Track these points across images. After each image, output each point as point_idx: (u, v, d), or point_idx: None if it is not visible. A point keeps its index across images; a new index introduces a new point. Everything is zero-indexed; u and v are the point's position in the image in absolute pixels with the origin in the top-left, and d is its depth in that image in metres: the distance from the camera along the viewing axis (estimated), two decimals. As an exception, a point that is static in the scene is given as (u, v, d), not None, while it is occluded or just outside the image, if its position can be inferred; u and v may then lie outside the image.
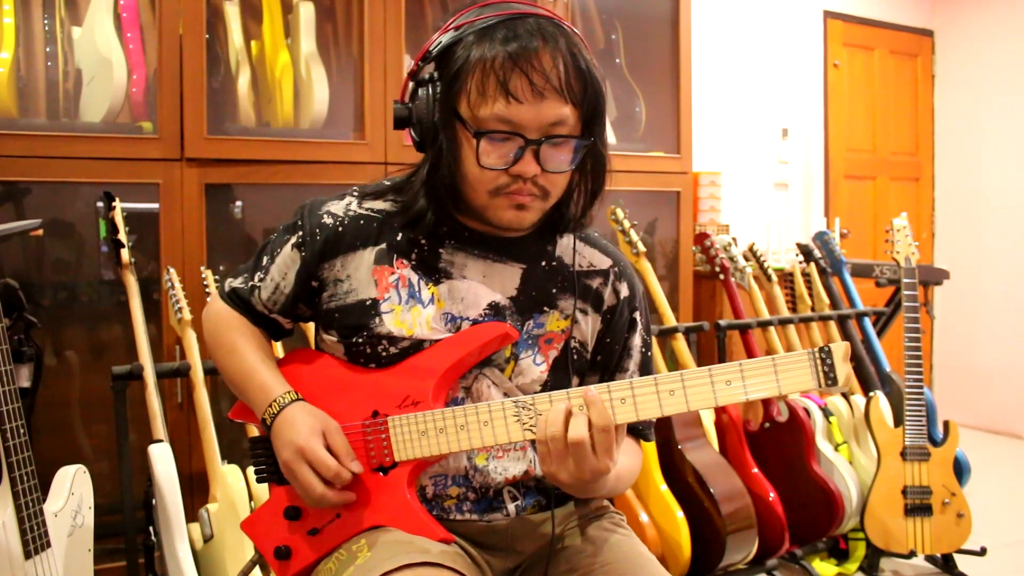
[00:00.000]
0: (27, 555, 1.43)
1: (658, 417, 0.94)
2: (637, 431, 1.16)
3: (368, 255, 1.09)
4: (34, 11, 2.22)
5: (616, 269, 1.16)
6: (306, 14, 2.35)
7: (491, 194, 1.02)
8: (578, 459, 0.92)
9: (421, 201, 1.06)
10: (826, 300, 3.02)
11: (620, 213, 2.62)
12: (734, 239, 3.00)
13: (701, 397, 0.92)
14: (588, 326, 1.13)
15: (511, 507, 1.11)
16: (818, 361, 0.88)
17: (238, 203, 2.50)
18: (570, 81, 0.98)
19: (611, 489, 1.06)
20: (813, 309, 3.03)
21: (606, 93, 1.06)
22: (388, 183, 1.14)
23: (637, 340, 1.17)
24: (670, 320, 2.60)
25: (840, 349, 0.88)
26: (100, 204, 2.03)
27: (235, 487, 1.82)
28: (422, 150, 1.06)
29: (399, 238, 1.09)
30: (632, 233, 2.58)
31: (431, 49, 1.03)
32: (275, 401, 1.06)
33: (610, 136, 2.86)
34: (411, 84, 1.05)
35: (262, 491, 1.81)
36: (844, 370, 0.88)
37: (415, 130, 1.04)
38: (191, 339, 1.97)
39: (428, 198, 1.06)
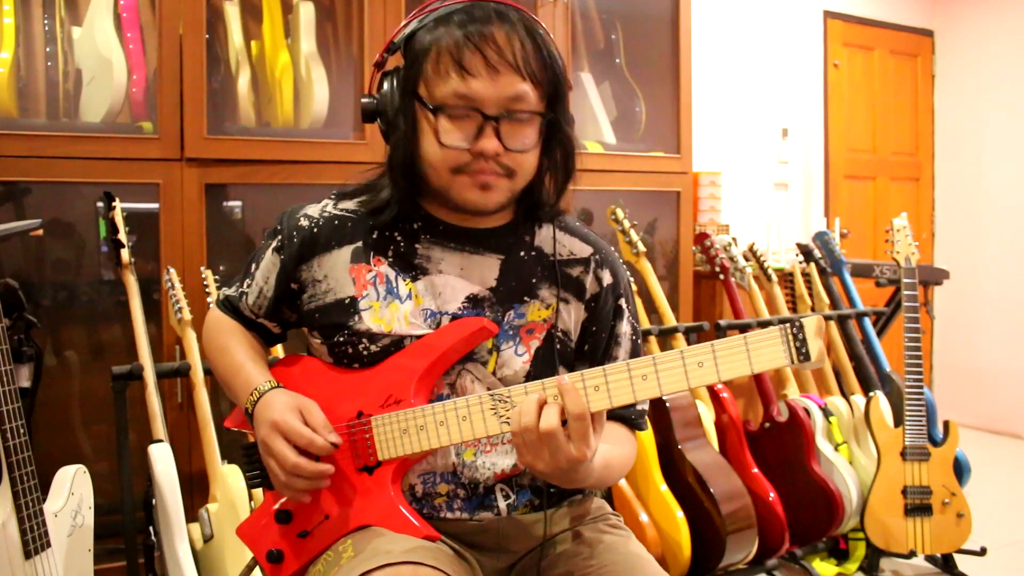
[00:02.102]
0: (27, 555, 1.43)
1: (632, 403, 0.92)
2: (629, 420, 1.15)
3: (344, 254, 1.10)
4: (34, 11, 2.22)
5: (597, 257, 1.16)
6: (306, 14, 2.35)
7: (453, 172, 1.02)
8: (552, 449, 0.91)
9: (385, 190, 1.09)
10: (826, 300, 3.02)
11: (620, 213, 2.62)
12: (734, 239, 3.00)
13: (674, 380, 0.90)
14: (571, 315, 1.13)
15: (503, 505, 1.10)
16: (790, 337, 0.86)
17: (238, 203, 2.50)
18: (527, 58, 1.00)
19: (600, 479, 1.04)
20: (813, 309, 3.03)
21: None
22: (364, 183, 1.15)
23: (625, 327, 1.16)
24: (670, 320, 2.60)
25: (812, 323, 0.85)
26: (100, 204, 2.03)
27: (235, 487, 1.82)
28: (387, 138, 1.08)
29: (375, 236, 1.10)
30: (632, 233, 2.58)
31: (395, 40, 1.06)
32: (255, 390, 1.07)
33: (610, 136, 2.86)
34: (378, 76, 1.08)
35: (262, 491, 1.81)
36: (817, 345, 0.85)
37: (382, 120, 1.07)
38: (191, 339, 1.97)
39: (392, 185, 1.07)
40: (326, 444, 1.01)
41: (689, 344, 2.61)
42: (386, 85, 1.06)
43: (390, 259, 1.09)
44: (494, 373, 1.09)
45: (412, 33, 1.04)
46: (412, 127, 1.03)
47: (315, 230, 1.11)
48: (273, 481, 1.05)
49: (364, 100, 1.08)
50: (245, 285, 1.17)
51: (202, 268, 2.11)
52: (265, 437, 1.02)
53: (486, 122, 0.99)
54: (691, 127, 2.91)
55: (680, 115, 2.89)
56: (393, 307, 1.07)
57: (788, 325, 0.86)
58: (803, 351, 0.86)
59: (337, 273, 1.09)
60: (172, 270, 2.04)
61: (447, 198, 1.05)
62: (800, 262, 3.13)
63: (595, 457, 0.95)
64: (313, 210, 1.13)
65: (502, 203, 1.06)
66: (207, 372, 1.94)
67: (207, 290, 2.07)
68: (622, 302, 1.16)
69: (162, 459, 1.72)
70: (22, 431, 1.44)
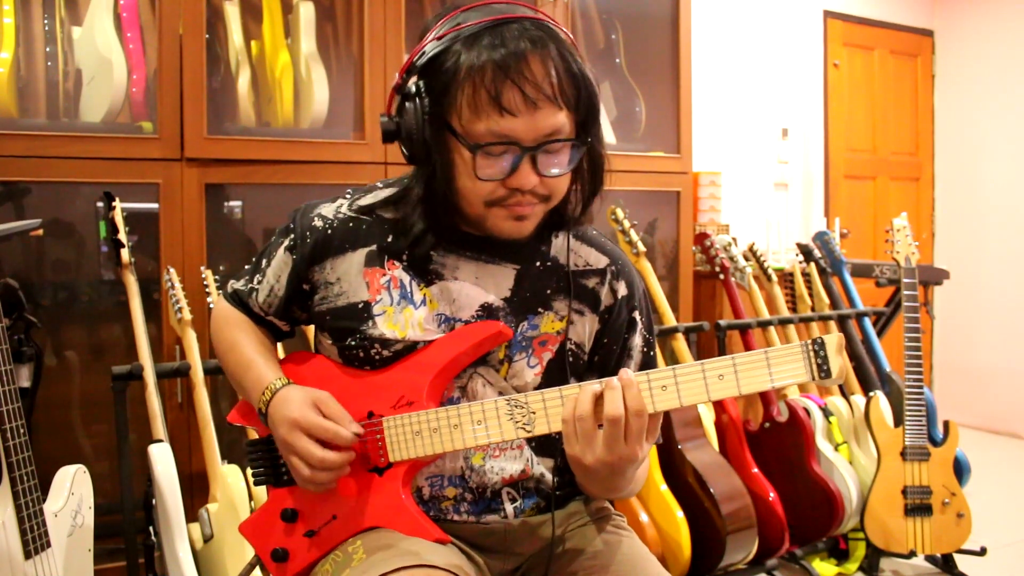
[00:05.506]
0: (27, 555, 1.43)
1: (651, 413, 0.92)
2: None
3: (358, 257, 1.08)
4: (34, 11, 2.22)
5: (614, 268, 1.14)
6: (306, 14, 2.35)
7: (487, 205, 1.00)
8: (610, 441, 0.90)
9: (419, 224, 1.05)
10: (826, 300, 3.02)
11: (620, 213, 2.62)
12: (734, 239, 3.00)
13: (694, 392, 0.90)
14: (585, 327, 1.11)
15: (509, 508, 1.10)
16: (811, 353, 0.87)
17: (238, 203, 2.50)
18: (563, 87, 0.96)
19: (630, 489, 1.05)
20: (813, 309, 3.03)
21: (603, 92, 1.06)
22: (380, 185, 1.14)
23: (637, 340, 1.15)
24: (670, 320, 2.60)
25: (833, 341, 0.86)
26: (100, 204, 2.03)
27: (235, 487, 1.82)
28: (413, 163, 1.04)
29: (389, 240, 1.09)
30: (632, 233, 2.58)
31: (415, 61, 1.00)
32: (268, 388, 1.06)
33: (610, 136, 2.87)
34: (397, 97, 1.03)
35: (262, 491, 1.81)
36: (838, 362, 0.86)
37: (405, 144, 1.02)
38: (191, 339, 1.97)
39: (425, 217, 1.04)
40: (350, 435, 1.00)
41: (689, 344, 2.63)
42: (409, 106, 1.00)
43: (404, 263, 1.08)
44: (505, 379, 1.08)
45: (435, 56, 0.97)
46: (448, 162, 1.00)
47: (329, 231, 1.09)
48: (296, 477, 1.03)
49: (384, 121, 1.03)
50: (255, 281, 1.16)
51: (202, 268, 2.11)
52: (286, 435, 1.01)
53: (524, 154, 0.96)
54: (691, 127, 2.91)
55: (680, 115, 2.89)
56: (407, 312, 1.06)
57: (809, 341, 0.87)
58: (824, 368, 0.87)
59: (351, 276, 1.08)
60: (172, 270, 2.04)
61: (481, 227, 1.04)
62: (800, 262, 3.13)
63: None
64: (328, 210, 1.11)
65: (535, 228, 1.05)
66: (207, 372, 1.94)
67: (207, 290, 2.07)
68: (636, 314, 1.15)
69: (162, 459, 1.72)
70: (22, 431, 1.44)
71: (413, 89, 0.99)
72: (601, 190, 1.09)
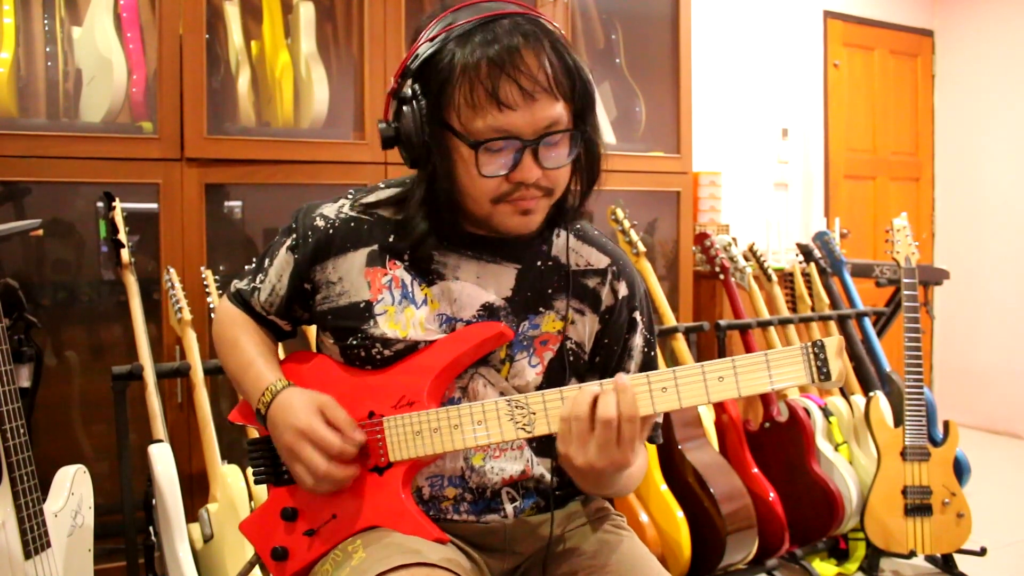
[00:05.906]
0: (27, 555, 1.43)
1: (651, 414, 0.92)
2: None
3: (359, 257, 1.09)
4: (34, 11, 2.22)
5: (615, 268, 1.14)
6: (306, 14, 2.35)
7: (494, 202, 1.00)
8: (601, 443, 0.90)
9: (422, 224, 1.05)
10: (826, 300, 3.02)
11: (620, 213, 2.62)
12: (734, 239, 3.00)
13: (694, 394, 0.91)
14: (585, 327, 1.11)
15: (509, 508, 1.10)
16: (811, 356, 0.87)
17: (238, 203, 2.50)
18: (558, 78, 0.97)
19: (622, 488, 1.06)
20: (813, 309, 3.03)
21: (603, 92, 1.05)
22: (383, 186, 1.14)
23: (638, 340, 1.15)
24: (670, 320, 2.60)
25: (833, 343, 0.87)
26: (100, 204, 2.03)
27: (235, 487, 1.82)
28: (414, 167, 1.04)
29: (391, 240, 1.09)
30: (632, 233, 2.58)
31: (409, 64, 1.00)
32: (268, 389, 1.06)
33: (610, 136, 2.87)
34: (394, 102, 1.02)
35: (262, 491, 1.81)
36: (837, 365, 0.86)
37: (404, 149, 1.02)
38: (191, 339, 1.97)
39: (429, 219, 1.04)
40: (355, 450, 1.01)
41: (689, 344, 2.63)
42: (406, 110, 0.99)
43: (406, 263, 1.08)
44: (506, 379, 1.08)
45: (429, 58, 0.97)
46: (450, 162, 1.00)
47: (331, 231, 1.10)
48: (299, 483, 1.04)
49: (382, 127, 1.03)
50: (258, 280, 1.16)
51: (202, 268, 2.11)
52: (292, 444, 1.01)
53: (525, 148, 0.97)
54: (691, 127, 2.91)
55: (680, 115, 2.89)
56: (408, 312, 1.06)
57: (809, 344, 0.87)
58: (824, 370, 0.87)
59: (352, 276, 1.08)
60: (172, 270, 2.04)
61: (489, 226, 1.04)
62: (800, 262, 3.13)
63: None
64: (329, 210, 1.12)
65: (541, 222, 1.06)
66: (207, 372, 1.94)
67: (207, 290, 2.07)
68: (637, 315, 1.15)
69: (162, 459, 1.72)
70: (22, 431, 1.44)
71: (409, 93, 0.99)
72: (598, 181, 1.09)
